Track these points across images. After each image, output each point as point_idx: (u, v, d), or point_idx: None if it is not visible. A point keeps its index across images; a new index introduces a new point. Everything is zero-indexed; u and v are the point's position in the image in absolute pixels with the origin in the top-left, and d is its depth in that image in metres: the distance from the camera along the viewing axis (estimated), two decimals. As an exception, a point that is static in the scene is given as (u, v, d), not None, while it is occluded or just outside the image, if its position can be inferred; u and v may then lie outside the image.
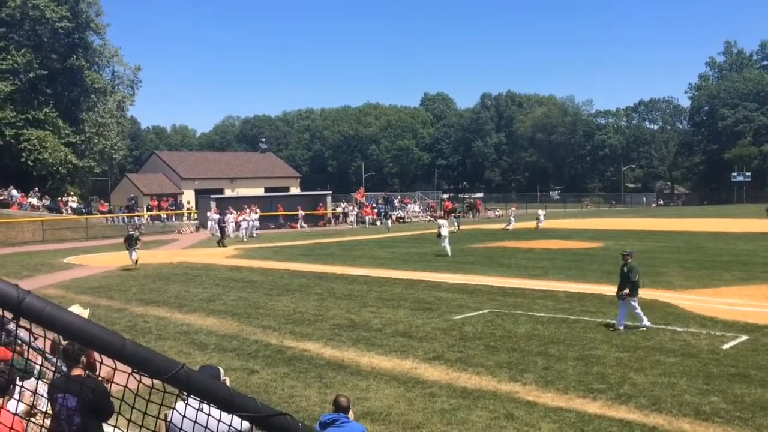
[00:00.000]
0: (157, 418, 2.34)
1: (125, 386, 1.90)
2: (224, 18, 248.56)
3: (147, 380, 1.73)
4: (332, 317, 16.10)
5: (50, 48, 54.93)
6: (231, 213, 45.42)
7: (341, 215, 60.08)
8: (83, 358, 5.04)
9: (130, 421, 2.18)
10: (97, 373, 5.04)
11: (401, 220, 59.62)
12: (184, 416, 2.21)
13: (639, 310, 14.14)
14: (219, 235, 38.59)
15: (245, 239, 41.81)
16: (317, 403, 9.77)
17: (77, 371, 5.04)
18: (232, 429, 2.40)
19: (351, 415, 6.07)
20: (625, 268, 14.28)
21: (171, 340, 14.20)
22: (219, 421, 2.01)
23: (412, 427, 8.81)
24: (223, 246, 36.25)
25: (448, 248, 29.30)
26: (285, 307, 17.62)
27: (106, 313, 17.29)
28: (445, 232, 30.16)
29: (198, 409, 2.06)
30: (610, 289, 18.97)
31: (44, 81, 55.11)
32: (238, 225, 44.06)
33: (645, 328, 13.89)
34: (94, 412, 4.89)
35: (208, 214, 48.30)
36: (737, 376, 10.58)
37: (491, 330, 14.34)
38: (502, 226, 51.95)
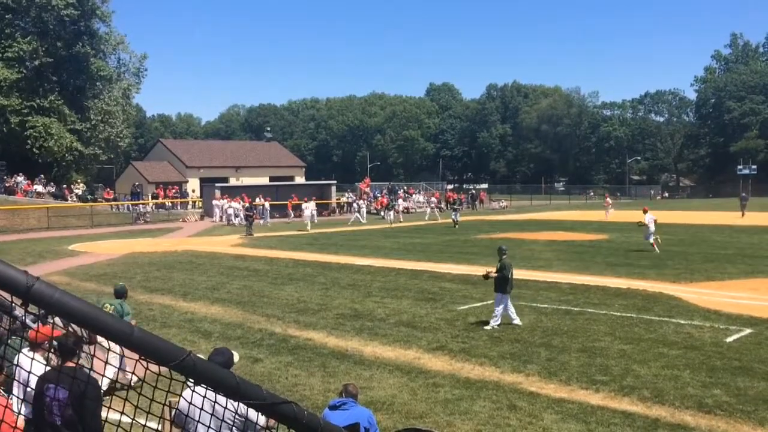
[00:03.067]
0: (164, 404, 2.36)
1: (133, 372, 1.92)
2: (230, 6, 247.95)
3: (154, 367, 1.74)
4: (336, 307, 16.14)
5: (56, 35, 54.89)
6: (262, 201, 45.52)
7: (345, 205, 60.04)
8: (78, 351, 5.07)
9: (137, 407, 2.20)
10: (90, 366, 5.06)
11: (407, 210, 59.38)
12: (190, 403, 2.23)
13: (500, 310, 13.73)
14: (245, 224, 38.66)
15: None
16: (321, 392, 9.81)
17: (70, 364, 5.07)
18: (238, 417, 2.42)
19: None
20: (499, 264, 14.02)
21: (175, 328, 14.26)
22: (225, 408, 2.02)
23: (415, 417, 8.84)
24: (251, 234, 36.30)
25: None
26: (289, 296, 17.67)
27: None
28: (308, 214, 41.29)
29: (204, 396, 2.07)
30: (615, 281, 19.04)
31: (50, 68, 55.10)
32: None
33: (491, 327, 13.56)
34: (82, 404, 4.91)
35: (228, 202, 48.05)
36: (740, 369, 10.59)
37: (495, 321, 14.36)
38: (505, 217, 51.92)
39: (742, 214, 47.21)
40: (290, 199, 50.84)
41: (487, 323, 13.83)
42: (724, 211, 51.42)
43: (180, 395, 3.08)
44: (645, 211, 28.03)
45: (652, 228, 26.97)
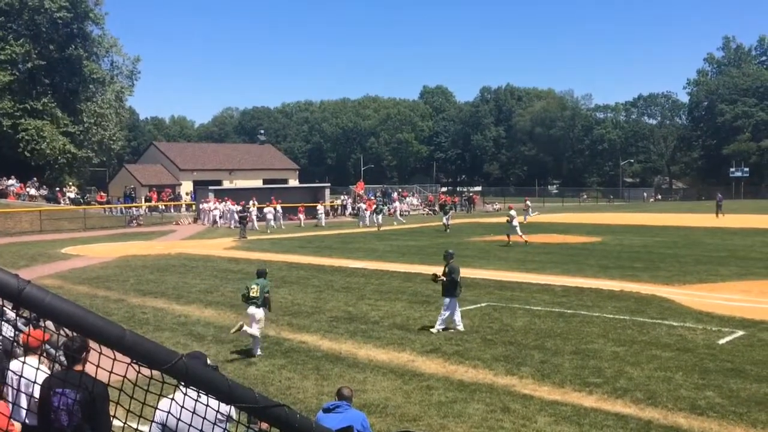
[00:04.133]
0: (156, 408, 2.36)
1: (124, 376, 1.91)
2: (223, 8, 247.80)
3: (146, 370, 1.74)
4: (330, 309, 16.13)
5: (49, 38, 54.73)
6: (253, 204, 45.42)
7: (340, 207, 59.96)
8: (84, 354, 5.02)
9: (128, 411, 2.19)
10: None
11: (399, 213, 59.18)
12: (183, 407, 2.23)
13: (446, 314, 13.78)
14: (239, 226, 38.63)
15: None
16: (314, 395, 9.81)
17: (78, 367, 5.02)
18: (221, 415, 2.41)
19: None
20: (447, 269, 13.94)
21: (169, 331, 14.22)
22: (196, 400, 2.01)
23: (409, 420, 8.84)
24: (244, 238, 36.19)
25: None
26: (283, 299, 17.64)
27: (104, 303, 17.31)
28: None
29: (197, 399, 2.07)
30: (608, 284, 19.07)
31: (42, 71, 54.93)
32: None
33: (436, 330, 13.50)
34: (93, 406, 4.87)
35: (215, 203, 47.88)
36: (733, 371, 10.62)
37: (488, 323, 14.38)
38: (499, 219, 51.80)
39: (716, 215, 48.52)
40: (270, 201, 50.00)
41: (450, 326, 13.72)
42: (707, 213, 51.49)
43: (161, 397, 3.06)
44: (510, 208, 32.48)
45: (516, 222, 31.07)
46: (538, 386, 10.11)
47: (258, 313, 12.29)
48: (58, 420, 4.88)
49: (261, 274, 12.80)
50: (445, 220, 41.02)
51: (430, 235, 37.35)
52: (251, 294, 12.37)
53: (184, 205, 56.96)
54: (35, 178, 51.65)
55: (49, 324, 1.80)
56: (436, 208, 59.60)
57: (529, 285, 19.24)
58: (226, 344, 12.96)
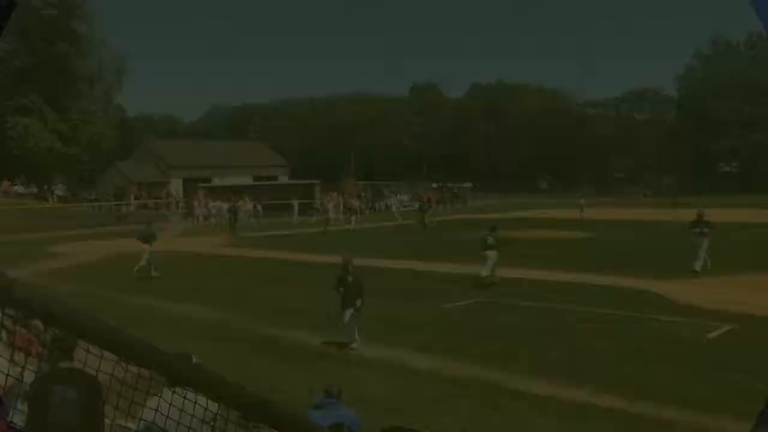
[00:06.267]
0: (144, 405, 2.35)
1: (112, 374, 1.90)
2: (213, 4, 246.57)
3: (134, 369, 1.73)
4: (321, 306, 16.09)
5: (36, 35, 54.38)
6: (246, 201, 45.43)
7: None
8: (74, 349, 4.98)
9: (116, 408, 2.18)
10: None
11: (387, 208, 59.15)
12: (158, 408, 2.22)
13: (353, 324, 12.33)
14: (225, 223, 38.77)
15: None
16: (305, 392, 9.78)
17: (67, 363, 4.99)
18: (209, 413, 2.40)
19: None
20: (350, 278, 12.48)
21: (158, 329, 14.14)
22: (185, 399, 2.01)
23: (400, 416, 8.83)
24: (236, 235, 36.07)
25: None
26: (274, 295, 17.62)
27: (93, 301, 17.20)
28: None
29: (185, 397, 2.06)
30: (598, 279, 19.12)
31: (30, 68, 54.59)
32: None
33: (355, 348, 12.16)
34: (88, 402, 4.84)
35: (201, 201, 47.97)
36: (722, 365, 10.68)
37: (479, 319, 14.41)
38: (490, 215, 51.96)
39: (673, 206, 53.20)
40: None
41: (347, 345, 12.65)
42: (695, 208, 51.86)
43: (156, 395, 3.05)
44: (328, 201, 36.00)
45: (332, 215, 40.07)
46: (528, 382, 10.14)
47: (493, 254, 18.19)
48: (53, 416, 4.85)
49: (494, 227, 19.21)
50: (426, 219, 39.33)
51: (422, 232, 37.33)
52: (489, 242, 18.26)
53: (174, 203, 56.72)
54: (23, 176, 51.34)
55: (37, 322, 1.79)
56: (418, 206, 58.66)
57: (519, 281, 19.28)
58: (217, 341, 12.92)
